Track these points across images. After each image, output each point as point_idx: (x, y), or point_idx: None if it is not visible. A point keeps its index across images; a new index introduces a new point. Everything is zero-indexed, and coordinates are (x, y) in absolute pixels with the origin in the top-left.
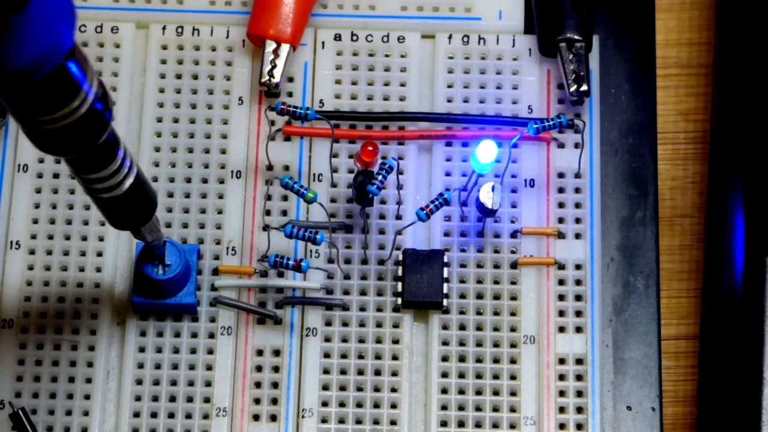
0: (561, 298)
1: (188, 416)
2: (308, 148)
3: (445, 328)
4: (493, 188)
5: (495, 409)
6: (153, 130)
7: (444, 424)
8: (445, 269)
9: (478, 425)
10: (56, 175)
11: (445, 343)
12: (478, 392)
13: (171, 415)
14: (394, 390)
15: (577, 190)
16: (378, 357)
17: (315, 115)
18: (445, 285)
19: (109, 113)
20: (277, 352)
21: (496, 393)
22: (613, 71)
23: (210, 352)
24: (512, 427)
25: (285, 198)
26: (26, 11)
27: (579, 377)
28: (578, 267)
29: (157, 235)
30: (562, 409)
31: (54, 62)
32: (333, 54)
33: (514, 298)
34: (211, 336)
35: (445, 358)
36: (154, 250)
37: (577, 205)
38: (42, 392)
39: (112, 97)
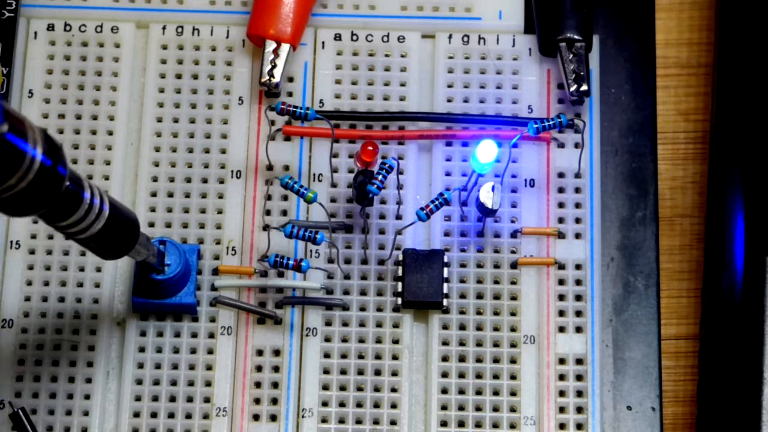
0: (561, 298)
1: (188, 416)
2: (308, 148)
3: (445, 327)
4: (493, 188)
5: (495, 409)
6: (153, 130)
7: (444, 424)
8: (445, 269)
9: (478, 425)
10: None
11: (445, 343)
12: (478, 392)
13: (171, 415)
14: (394, 390)
15: (577, 190)
16: (378, 357)
17: (315, 115)
18: (445, 285)
19: (62, 165)
20: (277, 352)
21: (496, 393)
22: (613, 71)
23: (210, 352)
24: (512, 427)
25: (285, 198)
26: None
27: (579, 377)
28: (578, 267)
29: (148, 252)
30: (562, 409)
31: None
32: (333, 54)
33: (514, 298)
34: (211, 336)
35: (445, 358)
36: (151, 265)
37: (577, 205)
38: (42, 392)
39: (59, 143)
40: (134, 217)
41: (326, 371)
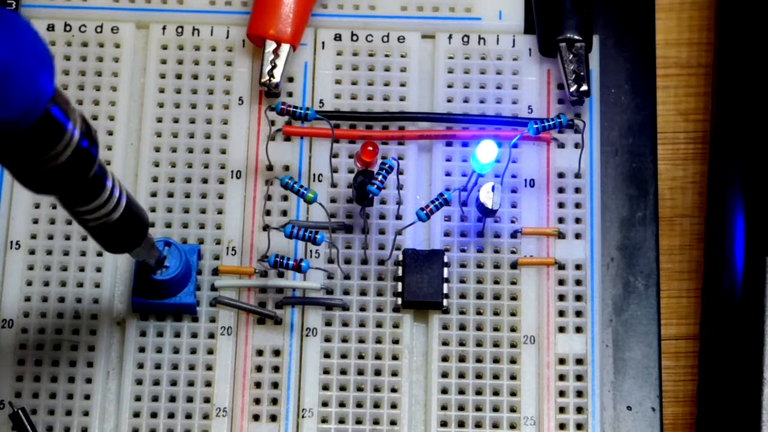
0: (561, 298)
1: (188, 416)
2: (308, 148)
3: (445, 328)
4: (493, 188)
5: (495, 410)
6: (153, 130)
7: (444, 424)
8: (445, 269)
9: (478, 425)
10: None
11: (445, 343)
12: (478, 392)
13: (171, 416)
14: (394, 390)
15: (577, 190)
16: (378, 357)
17: (315, 115)
18: (445, 285)
19: (96, 148)
20: (277, 352)
21: (496, 393)
22: (613, 71)
23: (210, 352)
24: (512, 427)
25: (285, 198)
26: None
27: (579, 377)
28: (578, 267)
29: (151, 253)
30: (562, 409)
31: (37, 112)
32: (333, 54)
33: (514, 298)
34: (211, 336)
35: (445, 358)
36: (152, 266)
37: (577, 205)
38: (42, 392)
39: (95, 130)
40: (145, 215)
41: (326, 371)
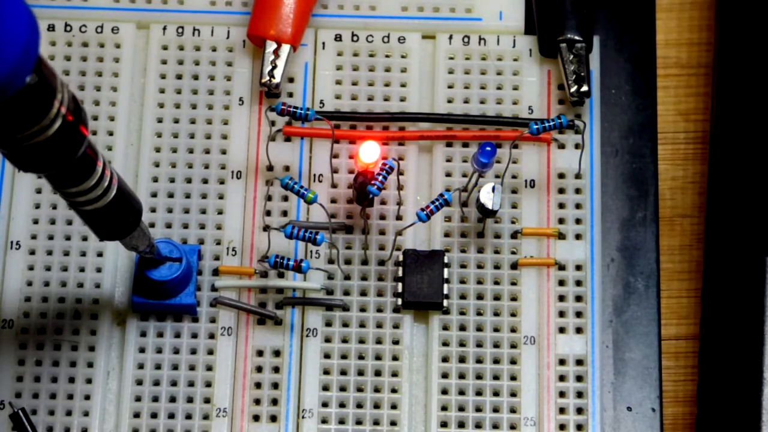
0: (561, 298)
1: (188, 417)
2: (308, 148)
3: (445, 328)
4: (493, 189)
5: (495, 410)
6: (153, 130)
7: (444, 424)
8: (446, 270)
9: (478, 426)
10: None
11: (445, 344)
12: (479, 393)
13: (171, 416)
14: (394, 391)
15: (578, 191)
16: (378, 358)
17: (315, 116)
18: (446, 285)
19: (84, 127)
20: (277, 353)
21: (496, 394)
22: (613, 72)
23: (210, 352)
24: (512, 427)
25: (285, 198)
26: None
27: (579, 378)
28: (578, 268)
29: (147, 243)
30: (562, 410)
31: (20, 79)
32: (333, 54)
33: (514, 299)
34: (212, 336)
35: (445, 359)
36: (153, 257)
37: (578, 206)
38: (42, 392)
39: (85, 110)
40: (138, 203)
41: (326, 372)
